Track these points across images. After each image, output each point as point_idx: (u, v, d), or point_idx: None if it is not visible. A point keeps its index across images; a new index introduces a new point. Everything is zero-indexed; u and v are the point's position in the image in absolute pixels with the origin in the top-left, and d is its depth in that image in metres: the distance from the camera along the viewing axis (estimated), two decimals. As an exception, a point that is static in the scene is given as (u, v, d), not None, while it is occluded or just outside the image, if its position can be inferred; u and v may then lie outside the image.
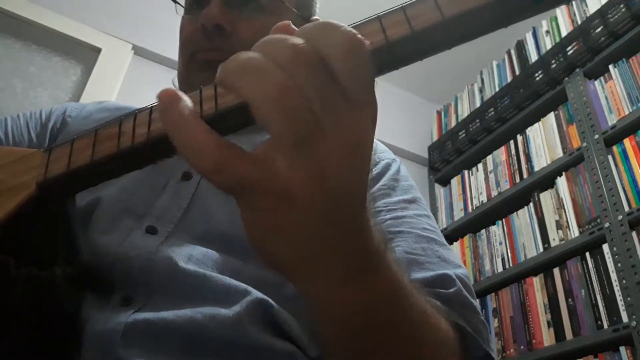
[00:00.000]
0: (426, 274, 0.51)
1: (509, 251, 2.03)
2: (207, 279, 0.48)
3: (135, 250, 0.49)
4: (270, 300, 0.48)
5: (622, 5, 1.82)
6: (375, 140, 0.69)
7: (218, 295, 0.48)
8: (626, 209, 1.64)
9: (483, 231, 2.20)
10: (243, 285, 0.49)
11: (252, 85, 0.27)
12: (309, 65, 0.27)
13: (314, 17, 0.74)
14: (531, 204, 2.01)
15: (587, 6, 2.05)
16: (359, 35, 0.27)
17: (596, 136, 1.82)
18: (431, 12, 0.31)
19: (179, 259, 0.49)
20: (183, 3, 0.71)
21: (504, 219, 2.11)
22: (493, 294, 2.03)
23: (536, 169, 2.03)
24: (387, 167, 0.65)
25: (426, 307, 0.40)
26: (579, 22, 2.02)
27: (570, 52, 1.98)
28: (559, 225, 1.86)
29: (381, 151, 0.68)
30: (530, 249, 1.93)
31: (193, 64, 0.65)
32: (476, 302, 0.53)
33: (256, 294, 0.48)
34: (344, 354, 0.37)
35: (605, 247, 1.67)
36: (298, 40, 0.27)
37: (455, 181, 2.48)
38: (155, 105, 0.37)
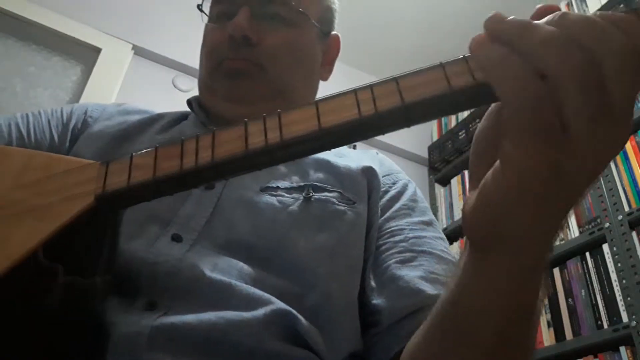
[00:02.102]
0: None
1: (509, 251, 2.02)
2: (232, 288, 0.49)
3: (162, 257, 0.50)
4: (293, 310, 0.49)
5: (622, 6, 1.82)
6: (388, 159, 0.72)
7: (242, 303, 0.48)
8: (626, 209, 1.64)
9: (483, 231, 2.20)
10: (267, 295, 0.50)
11: (560, 58, 0.28)
12: (611, 47, 0.28)
13: (333, 33, 0.77)
14: (531, 204, 2.01)
15: (587, 6, 2.05)
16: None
17: (596, 136, 1.82)
18: None
19: (204, 268, 0.50)
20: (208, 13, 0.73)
21: (504, 219, 2.11)
22: (493, 294, 2.03)
23: (536, 169, 2.03)
24: (405, 187, 0.67)
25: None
26: (579, 22, 2.02)
27: (570, 52, 1.98)
28: (559, 225, 1.86)
29: (397, 171, 0.70)
30: (530, 249, 1.93)
31: (219, 72, 0.68)
32: None
33: (279, 303, 0.49)
34: (487, 344, 0.37)
35: (605, 247, 1.67)
36: (602, 23, 0.29)
37: (455, 181, 2.48)
38: (208, 134, 0.38)
